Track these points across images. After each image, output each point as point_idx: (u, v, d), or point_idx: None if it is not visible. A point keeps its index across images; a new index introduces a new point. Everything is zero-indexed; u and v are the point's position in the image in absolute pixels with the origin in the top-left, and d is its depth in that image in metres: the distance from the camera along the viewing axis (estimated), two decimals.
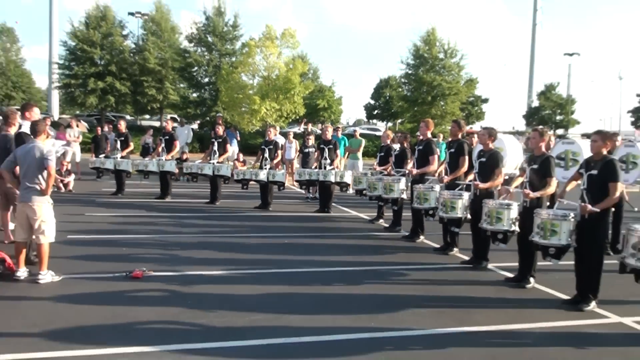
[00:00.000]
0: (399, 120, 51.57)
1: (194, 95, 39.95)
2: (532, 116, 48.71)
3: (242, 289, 7.15)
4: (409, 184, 10.88)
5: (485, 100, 49.87)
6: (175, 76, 39.32)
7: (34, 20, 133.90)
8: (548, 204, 7.69)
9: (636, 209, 14.03)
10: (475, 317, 6.35)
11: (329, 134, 14.47)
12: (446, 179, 9.65)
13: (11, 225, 8.65)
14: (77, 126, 21.09)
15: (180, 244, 9.73)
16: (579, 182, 7.07)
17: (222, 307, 6.34)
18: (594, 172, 6.75)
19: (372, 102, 58.67)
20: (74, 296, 6.56)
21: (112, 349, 5.05)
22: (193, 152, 27.46)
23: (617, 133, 13.35)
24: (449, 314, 6.51)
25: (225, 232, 11.04)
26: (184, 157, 19.03)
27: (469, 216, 8.93)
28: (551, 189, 7.61)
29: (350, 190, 14.51)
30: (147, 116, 44.98)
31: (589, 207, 6.61)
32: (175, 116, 35.87)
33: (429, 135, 10.75)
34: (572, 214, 6.84)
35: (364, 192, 12.68)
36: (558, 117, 48.68)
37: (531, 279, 7.75)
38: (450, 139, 10.13)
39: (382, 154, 12.90)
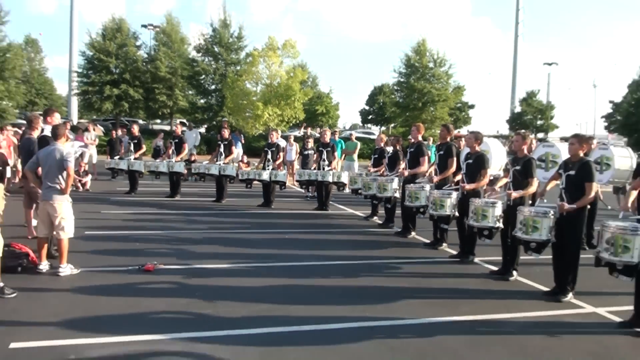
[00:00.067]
0: (392, 125, 51.49)
1: (202, 101, 39.94)
2: (515, 121, 48.66)
3: (246, 281, 7.15)
4: (401, 184, 10.89)
5: (472, 106, 49.89)
6: (184, 84, 39.28)
7: (56, 32, 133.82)
8: (530, 202, 7.71)
9: (609, 207, 14.04)
10: (463, 307, 6.36)
11: (327, 137, 14.49)
12: (436, 179, 9.67)
13: (34, 222, 8.66)
14: (94, 130, 21.12)
15: (188, 239, 9.72)
16: (558, 182, 7.08)
17: (228, 298, 6.34)
18: (572, 172, 6.76)
19: (367, 107, 58.53)
20: (91, 288, 6.57)
21: (126, 337, 5.06)
22: (201, 154, 27.47)
23: (592, 137, 13.36)
24: (438, 304, 6.52)
25: (230, 228, 11.04)
26: (192, 158, 19.01)
27: (457, 214, 8.95)
28: (532, 188, 7.63)
29: (347, 190, 14.51)
30: (158, 121, 44.93)
31: (566, 205, 6.64)
32: (184, 121, 35.76)
33: (420, 138, 10.75)
34: (551, 211, 6.86)
35: (360, 191, 12.70)
36: (539, 122, 48.64)
37: (514, 272, 7.76)
38: (439, 142, 10.13)
39: (376, 156, 12.91)
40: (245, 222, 11.83)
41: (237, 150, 19.10)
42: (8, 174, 12.03)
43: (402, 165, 11.31)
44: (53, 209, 7.07)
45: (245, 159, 20.65)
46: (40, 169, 7.26)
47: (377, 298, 6.64)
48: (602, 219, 6.47)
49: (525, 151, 7.91)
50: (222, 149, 14.64)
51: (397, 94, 44.62)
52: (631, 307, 5.96)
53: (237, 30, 39.04)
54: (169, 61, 38.68)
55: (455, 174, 9.59)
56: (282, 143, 17.29)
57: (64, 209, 7.13)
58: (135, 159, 15.80)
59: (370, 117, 58.51)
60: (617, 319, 6.09)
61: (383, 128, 56.57)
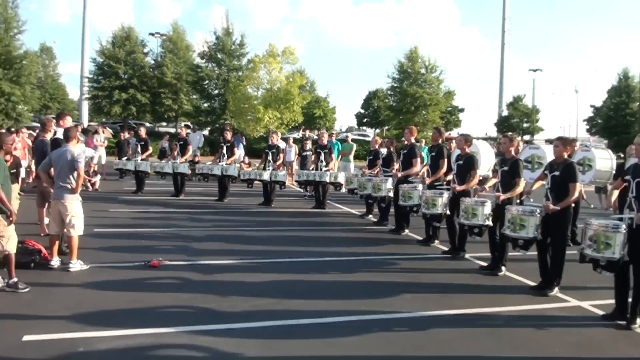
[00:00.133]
0: (386, 128, 51.40)
1: (205, 105, 39.84)
2: (503, 124, 48.67)
3: (247, 277, 7.12)
4: (395, 184, 10.85)
5: (462, 110, 49.79)
6: (189, 88, 39.25)
7: (69, 40, 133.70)
8: (518, 201, 7.70)
9: (592, 206, 14.04)
10: (454, 301, 6.33)
11: (325, 140, 14.44)
12: (428, 180, 9.65)
13: (46, 220, 8.62)
14: (103, 132, 21.06)
15: (192, 236, 9.68)
16: (544, 182, 7.07)
17: (230, 293, 6.31)
18: (557, 173, 6.74)
19: (362, 111, 58.48)
20: (99, 283, 6.54)
21: (133, 330, 5.03)
22: (204, 155, 27.34)
23: (575, 139, 13.34)
24: (431, 298, 6.50)
25: (232, 226, 11.00)
26: (196, 159, 18.92)
27: (448, 212, 8.93)
28: (519, 188, 7.61)
29: (343, 189, 14.47)
30: (164, 123, 44.77)
31: (551, 206, 6.62)
32: (189, 123, 35.68)
33: (413, 140, 10.73)
34: (538, 210, 6.85)
35: (355, 191, 12.67)
36: (525, 125, 48.64)
37: (503, 268, 7.74)
38: (431, 144, 10.12)
39: (371, 157, 12.90)
40: (247, 220, 11.79)
41: (239, 152, 19.03)
42: (22, 174, 12.01)
43: (396, 166, 11.29)
44: (64, 207, 7.04)
45: (247, 159, 20.60)
46: (52, 170, 7.24)
47: (373, 293, 6.61)
48: (585, 217, 6.46)
49: (513, 153, 7.89)
50: (224, 151, 14.60)
51: (391, 98, 44.57)
52: (613, 301, 5.95)
53: (239, 38, 38.98)
54: (175, 67, 38.64)
55: (446, 174, 9.57)
56: (282, 145, 17.25)
57: (74, 207, 7.11)
58: (142, 160, 15.76)
59: (365, 120, 58.48)
60: (600, 312, 6.08)
61: (377, 130, 56.56)
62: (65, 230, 7.14)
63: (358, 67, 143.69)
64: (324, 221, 12.19)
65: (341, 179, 13.72)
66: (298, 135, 35.29)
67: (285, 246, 9.22)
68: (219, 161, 14.58)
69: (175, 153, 15.31)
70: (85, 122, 41.27)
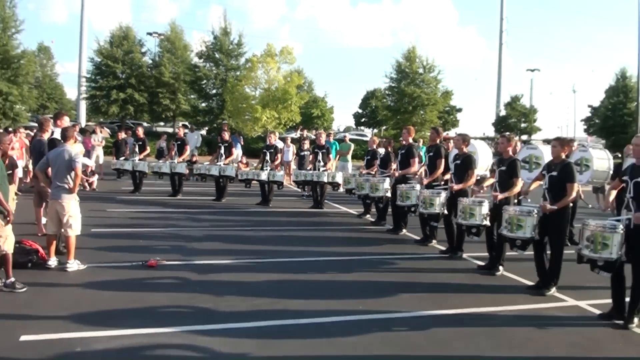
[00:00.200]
0: (384, 127, 51.42)
1: (203, 105, 39.81)
2: (500, 124, 48.69)
3: (245, 277, 7.12)
4: (392, 184, 10.86)
5: (460, 110, 49.78)
6: (187, 88, 39.17)
7: (67, 40, 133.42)
8: (515, 201, 7.71)
9: (590, 206, 14.05)
10: (452, 301, 6.34)
11: (323, 139, 14.44)
12: (425, 180, 9.65)
13: (43, 220, 8.61)
14: (101, 132, 21.03)
15: (190, 236, 9.67)
16: (542, 182, 7.07)
17: (228, 293, 6.31)
18: (554, 173, 6.75)
19: (360, 111, 58.52)
20: (97, 283, 6.53)
21: (130, 330, 5.02)
22: (202, 155, 27.32)
23: (573, 139, 13.35)
24: (429, 298, 6.50)
25: (230, 225, 10.99)
26: (194, 159, 18.92)
27: (445, 212, 8.93)
28: (517, 188, 7.63)
29: (341, 189, 14.48)
30: (162, 123, 44.71)
31: (548, 206, 6.63)
32: (187, 123, 35.57)
33: (411, 140, 10.74)
34: (535, 210, 6.86)
35: (353, 190, 12.66)
36: (522, 125, 48.66)
37: (500, 267, 7.75)
38: (429, 144, 10.12)
39: (369, 157, 12.89)
40: (245, 220, 11.78)
41: (237, 152, 19.04)
42: (20, 174, 11.99)
43: (394, 166, 11.29)
44: (61, 207, 7.03)
45: (245, 159, 20.59)
46: (50, 169, 7.22)
47: (371, 292, 6.62)
48: (583, 218, 6.47)
49: (510, 153, 7.91)
50: (222, 151, 14.59)
51: (389, 98, 44.57)
52: (610, 300, 5.96)
53: (237, 38, 38.96)
54: (173, 67, 38.55)
55: (444, 174, 9.58)
56: (280, 145, 17.24)
57: (72, 207, 7.10)
58: (139, 160, 15.74)
59: (363, 120, 58.52)
60: (597, 312, 6.09)
61: (375, 130, 56.59)
62: (62, 230, 7.14)
63: (356, 67, 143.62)
64: (321, 221, 12.19)
65: (339, 179, 13.72)
66: (296, 135, 35.27)
67: (283, 246, 9.21)
68: (217, 161, 14.57)
69: (173, 153, 15.29)
70: (82, 121, 41.10)
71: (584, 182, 10.94)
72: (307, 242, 9.63)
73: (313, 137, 23.13)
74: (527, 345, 5.13)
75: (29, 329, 4.94)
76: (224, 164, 14.37)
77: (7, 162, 7.85)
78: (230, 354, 4.65)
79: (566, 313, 6.16)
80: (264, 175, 13.84)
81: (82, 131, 19.11)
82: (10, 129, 16.37)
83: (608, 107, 44.71)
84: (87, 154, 16.74)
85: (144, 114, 40.49)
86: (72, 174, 7.07)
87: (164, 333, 5.02)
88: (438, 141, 9.90)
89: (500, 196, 7.48)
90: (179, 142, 15.46)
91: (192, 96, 40.12)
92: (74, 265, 7.02)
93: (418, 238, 10.00)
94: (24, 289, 6.08)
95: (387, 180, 11.12)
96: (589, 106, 50.35)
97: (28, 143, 14.57)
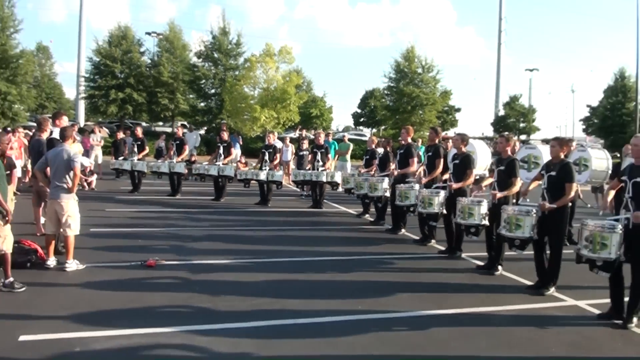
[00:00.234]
0: (383, 127, 51.46)
1: (202, 104, 39.82)
2: (499, 124, 48.70)
3: (244, 276, 7.11)
4: (391, 184, 10.86)
5: (458, 110, 49.80)
6: (186, 88, 39.18)
7: (65, 39, 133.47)
8: (514, 201, 7.71)
9: (589, 205, 14.08)
10: (451, 301, 6.34)
11: (321, 139, 14.45)
12: (424, 179, 9.66)
13: (42, 220, 8.60)
14: (100, 132, 21.00)
15: (189, 236, 9.66)
16: (540, 182, 7.07)
17: (227, 293, 6.30)
18: (553, 173, 6.76)
19: (359, 110, 58.57)
20: (95, 283, 6.52)
21: (129, 330, 5.01)
22: (201, 154, 27.30)
23: (572, 139, 13.36)
24: (428, 297, 6.50)
25: (229, 225, 10.99)
26: (193, 159, 18.91)
27: (444, 211, 8.93)
28: (515, 188, 7.62)
29: (340, 189, 14.48)
30: (161, 123, 44.72)
31: (547, 204, 6.63)
32: (185, 123, 35.66)
33: (409, 140, 10.74)
34: (534, 210, 6.86)
35: (352, 190, 12.67)
36: (521, 125, 48.69)
37: (499, 267, 7.75)
38: (428, 144, 10.13)
39: (368, 157, 12.89)
40: (244, 220, 11.77)
41: (236, 152, 19.03)
42: (19, 173, 11.98)
43: (393, 166, 11.29)
44: (60, 207, 7.02)
45: (243, 159, 20.58)
46: (48, 169, 7.21)
47: (370, 292, 6.62)
48: (582, 217, 6.47)
49: (509, 152, 7.91)
50: (221, 150, 14.58)
51: (388, 98, 44.58)
52: (609, 300, 5.96)
53: (236, 38, 38.96)
54: (171, 66, 38.56)
55: (442, 173, 9.58)
56: (279, 144, 17.22)
57: (70, 207, 7.09)
58: (138, 159, 15.72)
59: (362, 119, 58.55)
60: (597, 311, 6.09)
61: (374, 130, 56.61)
62: (61, 230, 7.13)
63: (355, 67, 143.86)
64: (320, 221, 12.18)
65: (338, 178, 13.72)
66: (295, 134, 35.30)
67: (282, 246, 9.21)
68: (216, 161, 14.56)
69: (172, 153, 15.28)
70: (81, 121, 41.10)
71: (582, 182, 10.95)
72: (306, 242, 9.62)
73: (312, 136, 23.14)
74: (526, 345, 5.13)
75: (28, 328, 4.93)
76: (222, 164, 14.36)
77: (5, 162, 7.83)
78: (229, 354, 4.65)
79: (565, 313, 6.15)
80: (262, 175, 13.84)
81: (81, 131, 19.10)
82: (8, 129, 16.31)
83: (607, 107, 44.72)
84: (86, 153, 16.75)
85: (142, 114, 40.51)
86: (71, 173, 7.05)
87: (162, 333, 5.01)
88: (437, 141, 9.91)
89: (499, 194, 7.48)
90: (178, 142, 15.46)
91: (191, 96, 40.13)
92: (72, 265, 7.01)
93: (417, 238, 10.00)
94: (23, 289, 6.07)
95: (386, 179, 11.12)
96: (588, 106, 50.41)
97: (27, 143, 14.54)
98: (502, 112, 50.52)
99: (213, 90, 38.90)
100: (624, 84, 44.51)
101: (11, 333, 4.80)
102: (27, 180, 14.43)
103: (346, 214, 13.38)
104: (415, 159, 10.53)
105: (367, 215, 12.63)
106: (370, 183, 11.28)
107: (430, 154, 9.67)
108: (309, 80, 56.97)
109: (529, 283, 7.14)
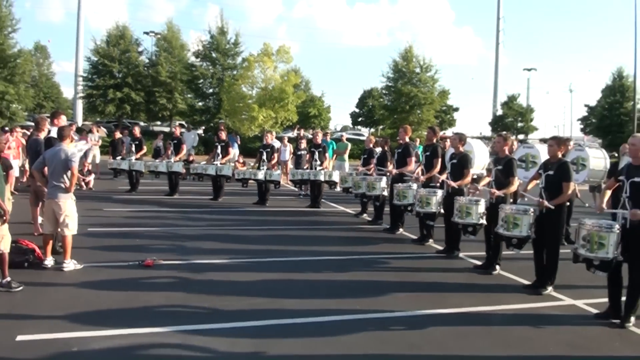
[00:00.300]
0: (381, 127, 51.50)
1: (200, 104, 39.82)
2: (497, 123, 48.77)
3: (242, 276, 7.11)
4: (389, 183, 10.87)
5: (456, 109, 49.89)
6: (184, 87, 39.20)
7: (63, 39, 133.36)
8: (511, 200, 7.71)
9: (587, 205, 14.08)
10: (449, 300, 6.34)
11: (319, 139, 14.46)
12: (422, 178, 9.67)
13: (40, 220, 8.58)
14: (97, 131, 21.00)
15: (187, 235, 9.66)
16: (538, 181, 7.08)
17: (225, 292, 6.30)
18: (551, 172, 6.76)
19: (357, 110, 58.57)
20: (93, 282, 6.51)
21: (127, 330, 5.01)
22: (199, 154, 27.28)
23: (569, 138, 13.39)
24: (426, 297, 6.50)
25: (227, 225, 10.98)
26: (191, 158, 18.89)
27: (442, 211, 8.94)
28: (513, 187, 7.63)
29: (338, 188, 14.48)
30: (159, 122, 44.73)
31: (545, 202, 6.64)
32: (183, 122, 35.65)
33: (407, 139, 10.74)
34: (531, 209, 6.87)
35: (350, 189, 12.68)
36: (519, 124, 48.78)
37: (497, 266, 7.76)
38: (426, 143, 10.13)
39: (366, 156, 12.88)
40: (241, 220, 11.77)
41: (234, 151, 19.00)
42: (16, 173, 11.97)
43: (390, 165, 11.29)
44: (58, 206, 7.01)
45: (241, 159, 20.57)
46: (46, 169, 7.20)
47: (368, 292, 6.61)
48: (579, 217, 6.48)
49: (507, 152, 7.91)
50: (219, 150, 14.56)
51: (386, 98, 44.63)
52: (607, 300, 5.97)
53: (234, 37, 39.00)
54: (169, 66, 38.60)
55: (440, 173, 9.59)
56: (277, 144, 17.23)
57: (68, 206, 7.07)
58: (136, 159, 15.70)
59: (360, 119, 58.54)
60: (594, 311, 6.10)
61: (372, 130, 56.60)
62: (59, 229, 7.11)
63: (353, 67, 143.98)
64: (318, 220, 12.18)
65: (336, 178, 13.73)
66: (293, 134, 35.30)
67: (280, 245, 9.21)
68: (214, 161, 14.55)
69: (170, 152, 15.27)
70: (79, 121, 41.10)
71: (580, 181, 10.98)
72: (304, 242, 9.62)
73: (310, 136, 23.14)
74: (523, 344, 5.14)
75: (26, 328, 4.92)
76: (220, 164, 14.34)
77: (1, 162, 7.82)
78: (227, 353, 4.64)
79: (563, 312, 6.16)
80: (260, 175, 13.83)
81: (79, 130, 19.07)
82: (6, 128, 16.29)
83: (605, 107, 44.84)
84: (84, 153, 16.72)
85: (140, 113, 40.55)
86: (69, 173, 7.04)
87: (160, 333, 5.00)
88: (435, 140, 9.92)
89: (497, 193, 7.48)
90: (176, 142, 15.44)
91: (189, 95, 40.16)
92: (70, 264, 7.00)
93: (415, 237, 10.01)
94: (21, 289, 6.06)
95: (384, 179, 11.13)
96: (586, 105, 50.59)
97: (24, 142, 14.51)
98: (500, 112, 50.61)
99: (211, 90, 38.90)
100: (622, 83, 44.63)
101: (8, 333, 4.79)
102: (24, 179, 14.39)
103: (344, 214, 13.38)
104: (413, 158, 10.54)
105: (365, 215, 12.64)
106: (368, 182, 11.28)
107: (428, 153, 9.68)
108: (307, 79, 57.12)
109: (527, 282, 7.13)
